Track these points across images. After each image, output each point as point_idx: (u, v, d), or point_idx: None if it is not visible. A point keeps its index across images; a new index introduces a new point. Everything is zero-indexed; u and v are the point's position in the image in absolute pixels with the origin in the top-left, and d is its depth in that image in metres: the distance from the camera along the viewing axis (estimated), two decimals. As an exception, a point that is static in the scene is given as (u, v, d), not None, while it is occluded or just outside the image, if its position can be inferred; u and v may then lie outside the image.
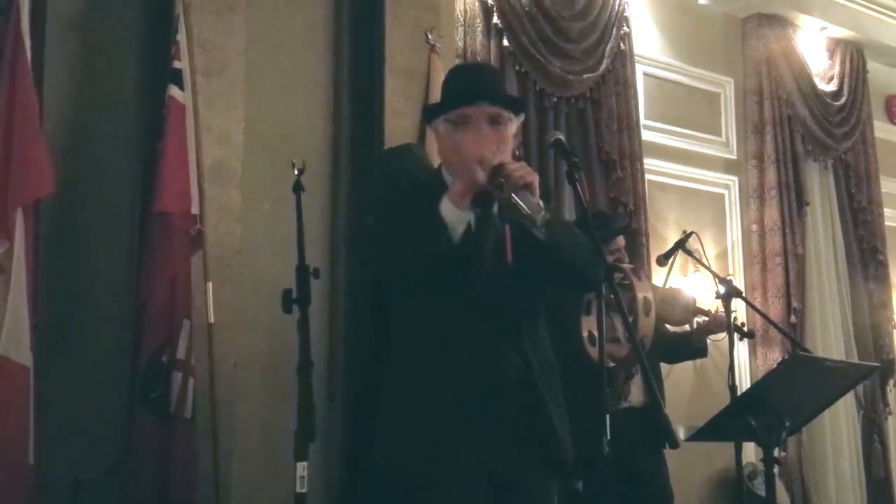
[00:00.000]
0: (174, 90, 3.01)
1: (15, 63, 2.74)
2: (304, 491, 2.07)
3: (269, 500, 3.02)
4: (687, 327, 3.76)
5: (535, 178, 1.82)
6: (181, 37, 3.07)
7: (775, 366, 2.69)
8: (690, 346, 3.36)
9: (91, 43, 3.11)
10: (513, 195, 1.79)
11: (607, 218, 3.82)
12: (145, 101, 3.13)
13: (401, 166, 2.23)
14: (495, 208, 1.92)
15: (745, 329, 3.53)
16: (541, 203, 1.81)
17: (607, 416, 2.00)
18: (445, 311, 1.88)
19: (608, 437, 2.01)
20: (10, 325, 2.61)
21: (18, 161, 2.71)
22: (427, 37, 3.80)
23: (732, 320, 3.24)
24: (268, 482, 3.14)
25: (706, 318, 3.43)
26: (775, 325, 3.54)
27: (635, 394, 3.08)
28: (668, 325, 3.44)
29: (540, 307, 2.00)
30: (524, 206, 1.77)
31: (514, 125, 2.02)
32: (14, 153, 2.70)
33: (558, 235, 1.87)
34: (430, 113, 2.06)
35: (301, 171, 2.42)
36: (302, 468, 2.04)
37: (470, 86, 2.00)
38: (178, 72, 3.04)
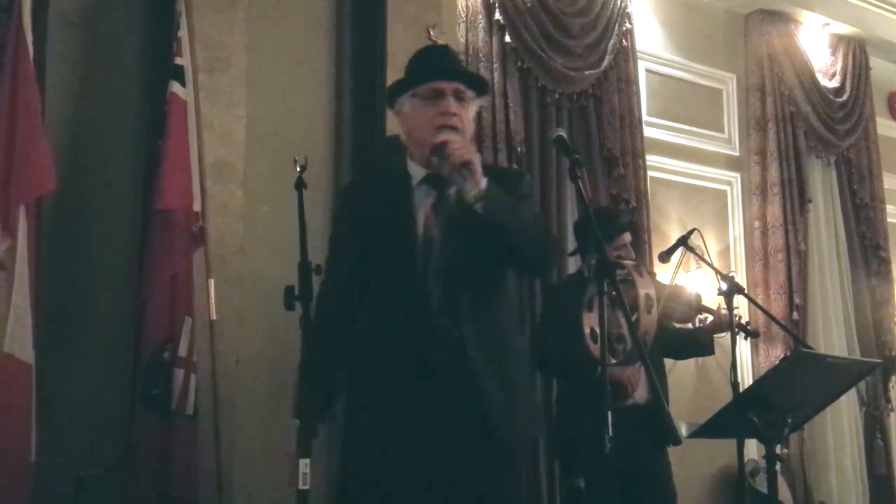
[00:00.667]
0: (176, 87, 3.00)
1: (17, 60, 2.74)
2: (306, 488, 2.06)
3: (271, 497, 3.02)
4: (690, 325, 3.76)
5: (473, 158, 1.88)
6: (183, 33, 3.06)
7: (777, 363, 2.68)
8: (697, 344, 3.36)
9: (93, 40, 3.11)
10: (452, 173, 1.88)
11: (612, 214, 3.81)
12: (147, 97, 3.13)
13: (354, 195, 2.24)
14: (452, 190, 1.98)
15: (750, 328, 3.51)
16: (482, 182, 1.87)
17: (609, 413, 1.99)
18: (389, 289, 1.98)
19: (610, 434, 2.01)
20: (13, 322, 2.62)
21: (21, 159, 2.71)
22: (429, 33, 3.79)
23: (737, 319, 3.23)
24: (270, 479, 3.14)
25: (711, 317, 3.42)
26: (777, 322, 3.54)
27: (639, 391, 3.08)
28: (672, 322, 3.43)
29: (489, 287, 2.03)
30: (462, 183, 1.85)
31: (475, 106, 2.09)
32: (16, 151, 2.70)
33: (499, 215, 1.91)
34: (396, 91, 2.09)
35: (303, 168, 2.41)
36: (304, 465, 2.04)
37: (438, 62, 2.07)
38: (180, 68, 3.03)
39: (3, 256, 2.67)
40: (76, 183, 2.97)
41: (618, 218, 3.49)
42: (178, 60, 3.04)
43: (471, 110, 2.08)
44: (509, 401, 1.99)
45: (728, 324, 3.16)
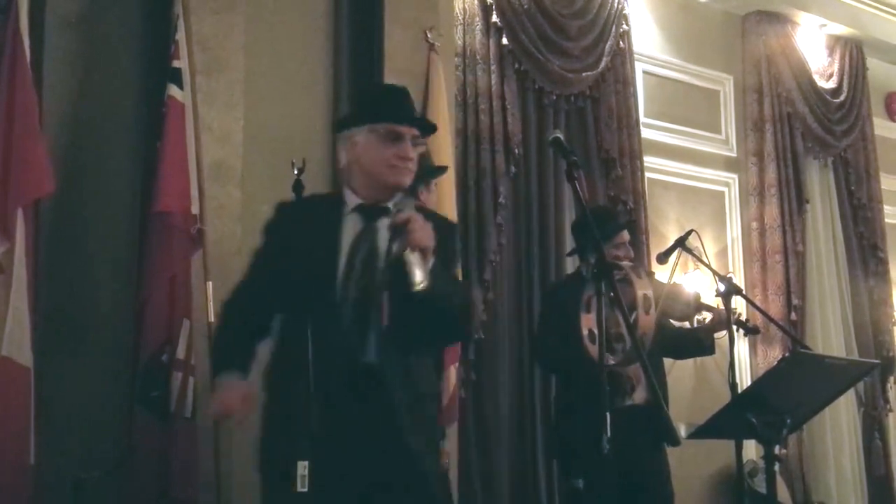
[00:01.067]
0: (174, 89, 3.00)
1: (14, 62, 2.74)
2: (305, 490, 2.06)
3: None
4: (686, 324, 3.76)
5: (431, 245, 1.96)
6: (180, 36, 3.06)
7: (776, 363, 2.68)
8: (698, 343, 3.32)
9: (90, 42, 3.11)
10: (407, 252, 1.94)
11: (610, 212, 3.81)
12: (145, 100, 3.13)
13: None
14: (380, 223, 2.08)
15: (750, 325, 3.50)
16: (428, 270, 1.93)
17: (608, 414, 1.99)
18: (306, 310, 2.01)
19: (608, 436, 2.01)
20: (11, 325, 2.62)
21: (18, 161, 2.71)
22: (426, 35, 3.80)
23: (737, 316, 3.23)
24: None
25: (710, 315, 3.41)
26: (776, 323, 3.54)
27: (639, 392, 3.08)
28: (672, 321, 3.43)
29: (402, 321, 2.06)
30: (411, 267, 1.91)
31: (423, 147, 2.24)
32: (14, 153, 2.70)
33: (435, 298, 1.98)
34: (353, 121, 2.19)
35: (301, 171, 2.41)
36: (302, 467, 2.04)
37: (402, 106, 2.19)
38: (178, 71, 3.03)
39: (2, 259, 2.66)
40: (74, 185, 2.97)
41: (616, 216, 3.49)
42: (175, 63, 3.03)
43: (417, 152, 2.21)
44: (429, 448, 2.10)
45: (727, 321, 3.16)
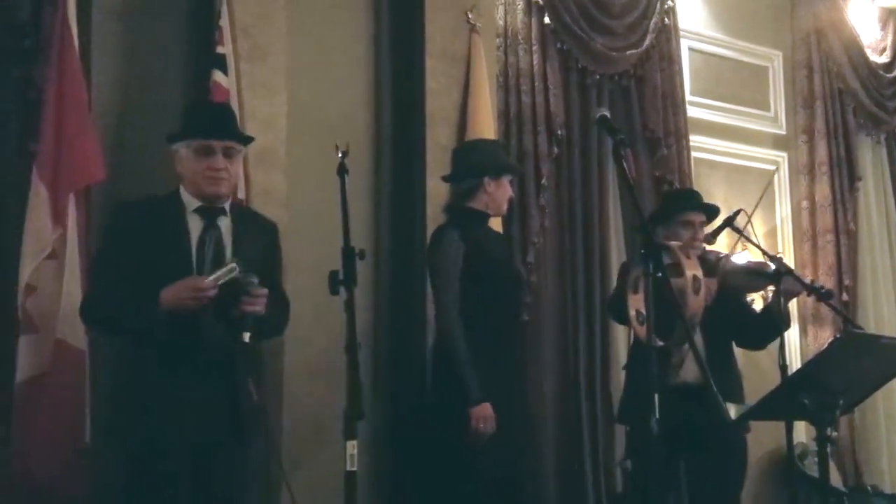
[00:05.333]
0: (218, 75, 3.04)
1: (63, 52, 2.80)
2: (354, 469, 2.09)
3: (319, 479, 3.06)
4: (754, 297, 3.61)
5: (259, 312, 2.35)
6: (224, 22, 3.10)
7: (828, 343, 2.62)
8: (773, 321, 3.10)
9: (136, 30, 3.15)
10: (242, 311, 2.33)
11: (689, 193, 3.60)
12: (190, 86, 3.17)
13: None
14: (220, 221, 2.43)
15: (823, 289, 3.17)
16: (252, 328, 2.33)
17: (656, 395, 1.97)
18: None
19: (657, 416, 1.99)
20: (65, 308, 2.68)
21: (70, 149, 2.77)
22: (467, 17, 3.78)
23: (810, 281, 3.10)
24: (317, 461, 3.19)
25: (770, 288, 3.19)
26: (827, 303, 3.44)
27: (690, 369, 3.01)
28: (745, 293, 3.30)
29: None
30: (243, 325, 2.32)
31: (241, 154, 2.55)
32: (65, 141, 2.76)
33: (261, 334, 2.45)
34: (173, 138, 2.48)
35: (345, 154, 2.42)
36: (351, 446, 2.07)
37: (211, 120, 2.47)
38: (222, 57, 3.07)
39: (55, 244, 2.73)
40: (123, 172, 3.02)
41: (693, 197, 3.34)
42: (219, 49, 3.07)
43: (239, 160, 2.54)
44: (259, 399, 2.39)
45: (798, 288, 3.04)
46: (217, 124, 2.47)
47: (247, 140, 2.57)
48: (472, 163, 3.11)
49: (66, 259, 2.74)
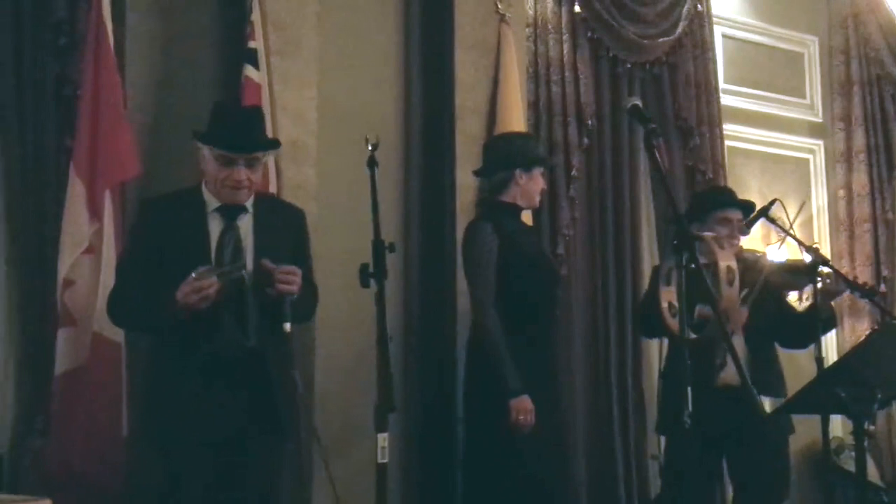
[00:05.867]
0: (250, 70, 3.06)
1: (98, 48, 2.83)
2: (385, 461, 2.10)
3: (351, 471, 3.08)
4: (796, 295, 3.53)
5: (294, 292, 2.33)
6: (255, 17, 3.12)
7: (865, 336, 2.58)
8: (818, 321, 3.00)
9: (169, 26, 3.18)
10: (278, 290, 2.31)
11: (725, 190, 3.58)
12: (223, 81, 3.20)
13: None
14: (241, 219, 2.42)
15: (868, 287, 3.15)
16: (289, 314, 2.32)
17: (689, 389, 1.96)
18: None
19: (689, 410, 1.98)
20: (101, 302, 2.72)
21: (105, 144, 2.81)
22: (497, 7, 3.76)
23: (853, 278, 3.02)
24: (349, 453, 3.21)
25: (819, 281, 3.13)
26: (865, 294, 3.37)
27: (730, 372, 2.94)
28: (788, 292, 3.24)
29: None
30: (283, 307, 2.32)
31: (266, 158, 2.59)
32: (101, 137, 2.80)
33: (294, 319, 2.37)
34: (199, 137, 2.46)
35: (375, 147, 2.43)
36: (383, 439, 2.08)
37: (240, 131, 2.43)
38: (254, 51, 3.09)
39: (92, 239, 2.78)
40: (157, 167, 3.06)
41: (729, 194, 3.29)
42: (251, 44, 3.09)
43: (262, 164, 2.55)
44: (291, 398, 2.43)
45: (842, 286, 2.98)
46: (241, 135, 2.42)
47: (273, 145, 2.56)
48: (502, 156, 3.09)
49: (103, 253, 2.78)
